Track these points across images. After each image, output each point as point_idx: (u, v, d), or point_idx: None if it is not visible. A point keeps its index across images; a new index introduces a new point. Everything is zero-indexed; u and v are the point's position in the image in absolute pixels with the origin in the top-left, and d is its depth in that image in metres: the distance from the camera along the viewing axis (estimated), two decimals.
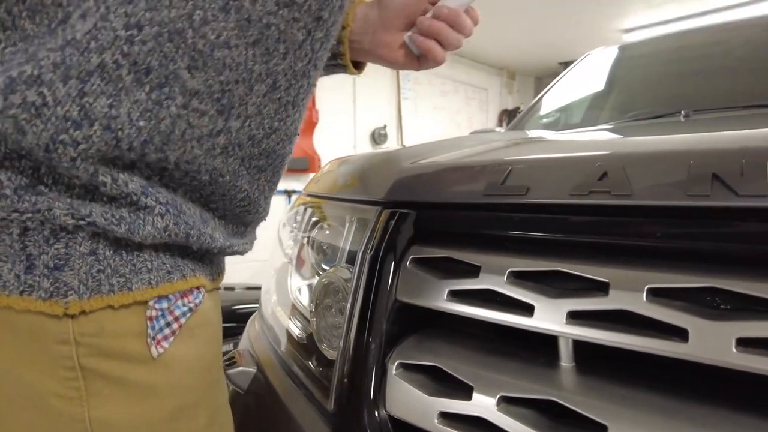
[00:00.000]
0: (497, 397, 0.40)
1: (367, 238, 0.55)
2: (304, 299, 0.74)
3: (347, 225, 0.65)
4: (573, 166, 0.46)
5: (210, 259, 0.45)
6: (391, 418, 0.47)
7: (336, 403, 0.52)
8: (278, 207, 3.65)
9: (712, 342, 0.33)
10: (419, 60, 0.61)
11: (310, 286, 0.74)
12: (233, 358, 0.75)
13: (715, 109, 1.09)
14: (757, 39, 1.40)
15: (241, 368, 0.70)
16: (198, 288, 0.41)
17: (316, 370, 0.63)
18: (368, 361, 0.50)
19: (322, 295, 0.64)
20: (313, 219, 0.77)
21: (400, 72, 5.32)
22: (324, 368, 0.61)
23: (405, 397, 0.46)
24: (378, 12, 0.62)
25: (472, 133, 1.76)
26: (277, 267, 0.87)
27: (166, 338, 0.39)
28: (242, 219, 0.46)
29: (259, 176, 0.44)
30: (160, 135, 0.35)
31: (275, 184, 0.47)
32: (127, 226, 0.35)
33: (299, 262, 0.77)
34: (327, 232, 0.72)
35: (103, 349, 0.36)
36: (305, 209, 0.80)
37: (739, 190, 0.36)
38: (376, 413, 0.48)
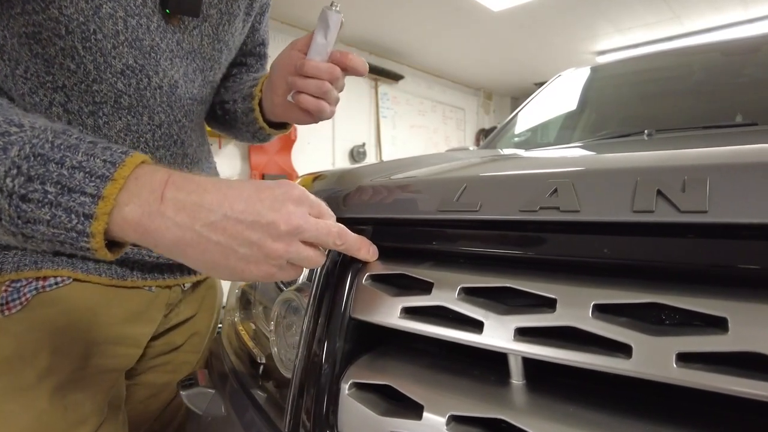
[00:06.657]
0: (447, 416, 0.39)
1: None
2: (266, 318, 0.73)
3: None
4: (524, 182, 0.46)
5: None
6: None
7: (290, 425, 0.51)
8: None
9: (654, 358, 0.32)
10: (312, 114, 0.65)
11: (271, 305, 0.72)
12: (192, 378, 0.73)
13: (677, 128, 1.12)
14: (715, 63, 1.45)
15: (198, 389, 0.68)
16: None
17: (274, 391, 0.62)
18: (321, 380, 0.48)
19: (282, 314, 0.63)
20: None
21: (379, 91, 5.38)
22: (281, 389, 0.60)
23: (356, 417, 0.45)
24: (268, 81, 0.69)
25: (447, 150, 1.78)
26: (240, 284, 0.86)
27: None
28: None
29: None
30: None
31: None
32: None
33: None
34: None
35: None
36: None
37: (681, 206, 0.36)
38: None
